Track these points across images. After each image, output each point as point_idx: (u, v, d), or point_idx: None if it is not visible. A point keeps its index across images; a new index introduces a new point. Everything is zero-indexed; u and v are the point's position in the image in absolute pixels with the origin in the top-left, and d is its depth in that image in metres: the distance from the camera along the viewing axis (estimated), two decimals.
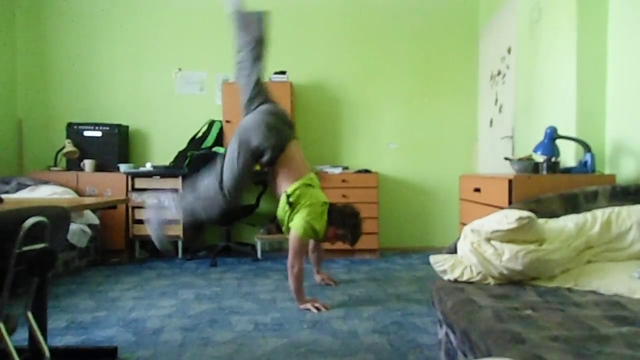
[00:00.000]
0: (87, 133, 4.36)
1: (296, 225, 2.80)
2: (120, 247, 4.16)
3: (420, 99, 4.73)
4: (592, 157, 2.51)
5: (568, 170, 2.58)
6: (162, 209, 2.94)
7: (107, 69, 4.69)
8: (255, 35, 2.89)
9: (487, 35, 4.46)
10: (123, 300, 2.95)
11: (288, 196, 2.83)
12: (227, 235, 4.32)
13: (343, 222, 2.88)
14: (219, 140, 4.39)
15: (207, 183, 2.88)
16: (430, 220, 4.74)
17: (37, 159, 4.63)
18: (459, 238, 2.00)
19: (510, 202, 2.33)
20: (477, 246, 1.84)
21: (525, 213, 1.81)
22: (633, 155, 2.46)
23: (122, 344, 2.23)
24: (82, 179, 4.20)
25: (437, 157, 4.74)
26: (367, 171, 4.37)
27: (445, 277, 1.91)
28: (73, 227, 3.60)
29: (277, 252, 4.60)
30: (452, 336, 1.67)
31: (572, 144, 2.73)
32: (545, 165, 2.55)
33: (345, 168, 4.49)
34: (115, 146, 4.40)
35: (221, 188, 2.81)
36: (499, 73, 4.11)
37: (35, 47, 4.67)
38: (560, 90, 2.95)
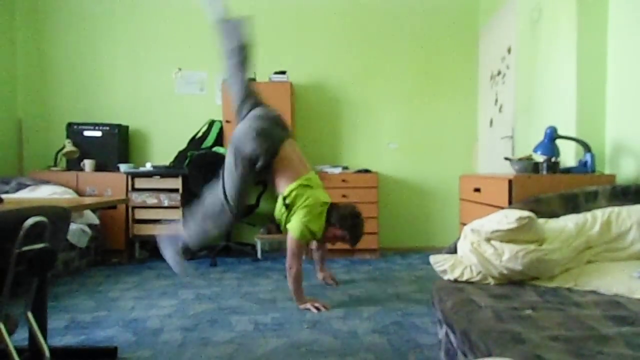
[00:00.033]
0: (87, 133, 4.37)
1: (293, 227, 2.80)
2: (120, 247, 4.16)
3: (420, 99, 4.73)
4: (592, 157, 2.51)
5: (568, 170, 2.57)
6: (175, 239, 2.96)
7: (107, 69, 4.70)
8: (239, 42, 2.91)
9: (487, 35, 4.46)
10: (123, 300, 2.95)
11: (284, 198, 2.83)
12: (227, 235, 4.32)
13: (343, 222, 2.87)
14: (219, 140, 4.39)
15: (210, 201, 2.90)
16: (430, 220, 4.74)
17: (37, 159, 4.63)
18: (459, 238, 2.00)
19: (510, 202, 2.33)
20: (477, 246, 1.84)
21: (525, 213, 1.81)
22: (633, 155, 2.46)
23: (122, 344, 2.23)
24: (82, 179, 4.20)
25: (437, 157, 4.74)
26: (367, 171, 4.37)
27: (445, 277, 1.91)
28: (73, 227, 3.61)
29: (277, 251, 4.60)
30: (452, 336, 1.66)
31: (572, 144, 2.73)
32: (545, 165, 2.56)
33: (345, 168, 4.49)
34: (115, 146, 4.40)
35: (226, 200, 2.83)
36: (499, 73, 4.11)
37: (35, 47, 4.67)
38: (560, 90, 2.95)
